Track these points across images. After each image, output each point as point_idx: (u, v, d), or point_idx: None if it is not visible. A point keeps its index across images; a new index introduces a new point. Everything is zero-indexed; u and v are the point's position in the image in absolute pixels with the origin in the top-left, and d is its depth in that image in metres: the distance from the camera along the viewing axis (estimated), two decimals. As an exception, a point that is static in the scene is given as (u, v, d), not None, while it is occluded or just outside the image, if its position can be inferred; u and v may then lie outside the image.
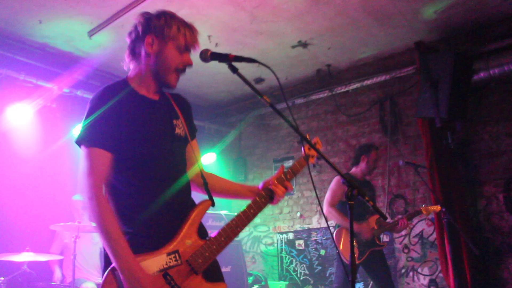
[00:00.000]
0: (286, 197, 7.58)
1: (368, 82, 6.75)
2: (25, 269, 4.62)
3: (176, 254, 1.92)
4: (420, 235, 6.05)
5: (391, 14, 5.53)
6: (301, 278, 7.09)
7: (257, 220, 7.79)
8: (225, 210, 7.14)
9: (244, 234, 7.87)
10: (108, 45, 6.00)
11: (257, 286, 6.96)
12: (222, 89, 7.54)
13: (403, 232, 6.17)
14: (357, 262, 4.59)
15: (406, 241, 6.16)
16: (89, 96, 6.32)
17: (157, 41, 2.06)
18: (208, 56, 2.09)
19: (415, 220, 6.09)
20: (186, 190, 2.16)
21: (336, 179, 4.89)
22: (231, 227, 2.09)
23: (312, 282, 6.97)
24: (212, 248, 2.00)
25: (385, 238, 6.29)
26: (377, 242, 4.73)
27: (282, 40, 6.10)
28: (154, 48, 2.06)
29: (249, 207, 2.17)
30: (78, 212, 5.40)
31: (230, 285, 6.20)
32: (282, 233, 7.48)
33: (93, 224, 1.92)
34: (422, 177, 4.97)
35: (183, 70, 2.13)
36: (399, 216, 5.00)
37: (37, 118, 5.89)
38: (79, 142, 1.96)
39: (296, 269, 7.16)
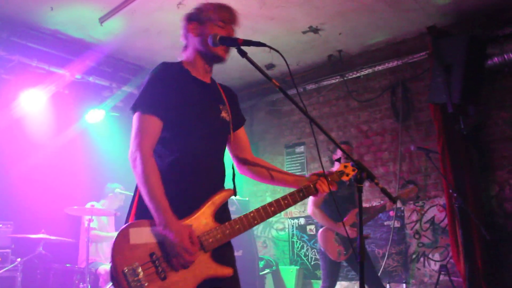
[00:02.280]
0: (297, 183, 7.59)
1: (380, 67, 6.69)
2: (41, 251, 4.75)
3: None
4: (432, 221, 6.04)
5: (403, -2, 5.46)
6: (312, 263, 7.13)
7: (268, 205, 7.82)
8: (237, 195, 7.18)
9: (255, 219, 7.90)
10: (119, 31, 6.02)
11: (268, 270, 7.03)
12: (234, 75, 7.53)
13: (414, 218, 6.17)
14: (343, 258, 4.72)
15: (417, 226, 6.15)
16: (101, 82, 6.42)
17: (198, 25, 2.28)
18: (217, 40, 2.17)
19: (426, 206, 6.08)
20: (219, 170, 2.29)
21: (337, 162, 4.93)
22: (248, 218, 2.14)
23: (323, 267, 7.01)
24: (226, 232, 2.06)
25: (396, 224, 6.29)
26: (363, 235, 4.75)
27: (292, 25, 6.06)
28: (197, 31, 2.28)
29: (271, 204, 2.23)
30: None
31: (241, 269, 6.28)
32: (293, 218, 7.52)
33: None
34: (434, 162, 4.95)
35: (226, 43, 2.24)
36: (372, 209, 5.08)
37: (50, 104, 5.97)
38: (135, 107, 2.12)
39: (307, 254, 7.20)
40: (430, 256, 5.99)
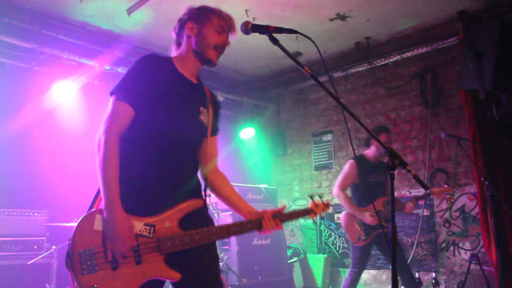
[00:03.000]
0: (324, 171, 7.58)
1: (408, 54, 6.59)
2: (75, 239, 4.86)
3: (152, 228, 2.02)
4: (462, 209, 5.96)
5: (433, -18, 5.36)
6: (339, 251, 7.14)
7: (296, 194, 7.85)
8: (264, 183, 7.23)
9: (282, 208, 7.94)
10: (147, 22, 6.08)
11: (296, 258, 7.06)
12: (260, 64, 7.53)
13: (444, 206, 6.10)
14: (362, 243, 4.71)
15: (447, 215, 6.08)
16: (130, 73, 6.49)
17: (196, 25, 2.28)
18: (249, 28, 2.16)
19: (456, 194, 6.00)
20: (191, 173, 2.29)
21: (350, 162, 4.93)
22: (210, 232, 2.14)
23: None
24: (185, 241, 2.06)
25: (425, 212, 6.23)
26: (384, 224, 4.68)
27: (320, 13, 6.01)
28: (194, 31, 2.28)
29: (235, 224, 2.25)
30: None
31: (269, 257, 6.36)
32: (320, 207, 7.50)
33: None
34: (465, 150, 4.87)
35: (221, 49, 2.31)
36: (406, 200, 4.98)
37: (81, 95, 6.09)
38: (112, 92, 2.13)
39: (335, 242, 7.20)
40: (460, 245, 5.93)
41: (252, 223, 2.29)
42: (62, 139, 5.77)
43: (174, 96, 2.19)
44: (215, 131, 2.44)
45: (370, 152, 4.97)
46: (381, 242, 4.75)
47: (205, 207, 2.26)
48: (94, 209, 2.02)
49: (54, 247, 4.84)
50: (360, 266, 4.76)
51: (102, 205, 1.99)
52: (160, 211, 2.07)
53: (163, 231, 2.04)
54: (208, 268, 2.19)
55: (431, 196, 5.15)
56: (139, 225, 2.00)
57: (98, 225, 1.96)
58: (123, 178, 2.05)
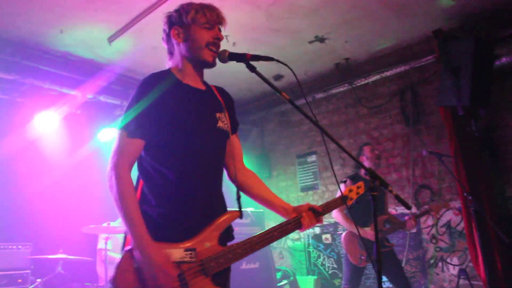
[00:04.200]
0: (311, 192, 7.60)
1: (388, 73, 6.70)
2: (60, 270, 4.80)
3: (193, 252, 1.96)
4: (448, 224, 6.00)
5: (407, 3, 5.47)
6: (329, 272, 7.10)
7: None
8: (251, 207, 7.20)
9: (270, 230, 7.90)
10: (128, 50, 6.11)
11: (285, 281, 7.00)
12: (243, 87, 7.58)
13: (430, 223, 6.13)
14: (364, 264, 4.71)
15: (433, 231, 6.11)
16: (113, 101, 6.50)
17: (181, 30, 2.15)
18: (226, 56, 2.15)
19: (442, 210, 6.03)
20: (218, 185, 2.20)
21: (343, 184, 4.92)
22: (252, 242, 2.11)
23: (340, 275, 6.97)
24: (228, 256, 2.03)
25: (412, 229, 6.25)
26: (385, 243, 4.76)
27: (299, 36, 6.11)
28: (181, 36, 2.15)
29: (275, 229, 2.19)
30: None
31: (258, 281, 6.26)
32: (308, 228, 7.49)
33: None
34: (447, 166, 4.93)
35: (215, 45, 2.16)
36: (406, 217, 4.98)
37: (63, 124, 6.08)
38: (118, 124, 2.03)
39: (324, 263, 7.17)
40: (448, 260, 5.95)
41: (291, 223, 2.23)
42: (45, 169, 5.73)
43: (188, 111, 2.09)
44: (235, 129, 2.38)
45: (363, 169, 4.96)
46: (383, 263, 4.71)
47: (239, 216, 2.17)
48: (129, 247, 1.90)
49: (39, 280, 4.76)
50: (352, 285, 4.72)
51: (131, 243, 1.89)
52: (196, 232, 2.01)
53: (205, 252, 1.98)
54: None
55: (431, 213, 5.13)
56: (179, 252, 1.93)
57: (138, 261, 1.88)
58: (150, 208, 1.99)
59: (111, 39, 5.79)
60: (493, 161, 5.69)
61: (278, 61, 2.08)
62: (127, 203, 1.91)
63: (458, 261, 5.86)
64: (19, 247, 5.08)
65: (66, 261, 4.94)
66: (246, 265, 6.22)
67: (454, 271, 5.84)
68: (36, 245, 5.23)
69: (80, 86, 6.22)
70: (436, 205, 5.02)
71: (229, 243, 2.14)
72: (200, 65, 2.20)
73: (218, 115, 2.22)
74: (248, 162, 8.21)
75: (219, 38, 2.18)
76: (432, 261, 6.08)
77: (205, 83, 2.29)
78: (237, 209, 2.17)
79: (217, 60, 2.21)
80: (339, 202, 2.45)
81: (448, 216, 6.01)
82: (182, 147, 2.05)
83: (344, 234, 4.86)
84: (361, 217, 4.70)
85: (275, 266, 6.81)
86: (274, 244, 7.79)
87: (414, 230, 6.09)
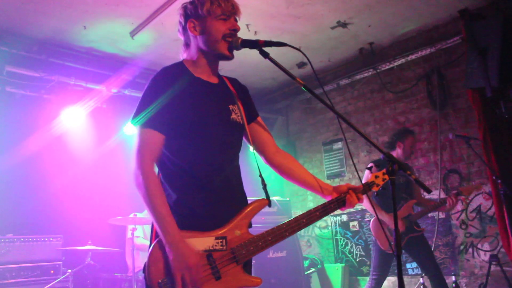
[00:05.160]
0: (337, 179, 7.54)
1: (413, 56, 6.56)
2: (89, 261, 4.93)
3: (224, 240, 1.98)
4: (478, 209, 5.86)
5: (431, -16, 5.34)
6: (357, 260, 7.06)
7: (310, 204, 7.81)
8: (278, 196, 7.20)
9: (297, 219, 7.90)
10: (150, 43, 6.17)
11: (313, 269, 7.01)
12: (266, 76, 7.56)
13: (459, 208, 6.00)
14: (392, 250, 4.54)
15: (463, 216, 5.99)
16: (137, 94, 6.57)
17: (197, 22, 2.14)
18: (238, 44, 2.13)
19: (471, 195, 5.88)
20: (237, 176, 2.23)
21: (368, 170, 4.82)
22: (281, 230, 2.12)
23: (368, 262, 6.92)
24: (258, 244, 2.04)
25: (441, 215, 6.14)
26: (415, 228, 4.67)
27: (320, 22, 6.03)
28: (198, 29, 2.14)
29: (318, 209, 2.22)
30: None
31: (286, 269, 6.28)
32: (335, 215, 7.46)
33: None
34: (474, 149, 4.81)
35: (232, 36, 2.14)
36: (433, 203, 4.86)
37: (89, 119, 6.19)
38: (134, 121, 2.03)
39: (352, 250, 7.13)
40: (479, 246, 5.82)
41: (333, 202, 2.26)
42: (72, 164, 5.87)
43: (201, 105, 2.09)
44: (254, 116, 2.36)
45: (395, 154, 4.83)
46: (413, 248, 4.66)
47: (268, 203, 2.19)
48: (159, 238, 1.93)
49: (69, 270, 4.89)
50: (380, 271, 4.66)
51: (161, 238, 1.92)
52: (227, 220, 2.04)
53: (235, 240, 2.01)
54: None
55: (462, 195, 4.99)
56: (210, 241, 1.97)
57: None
58: (177, 201, 2.01)
59: (133, 33, 5.85)
60: (524, 143, 5.52)
61: (289, 46, 2.05)
62: (157, 201, 1.93)
63: (489, 246, 5.73)
64: (51, 239, 5.22)
65: (95, 252, 5.07)
66: (273, 253, 6.24)
67: (485, 257, 5.71)
68: (66, 237, 5.37)
69: (105, 81, 6.32)
70: (467, 187, 4.85)
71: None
72: (218, 57, 2.19)
73: (231, 107, 2.21)
74: (274, 151, 8.25)
75: (236, 29, 2.16)
76: (462, 247, 5.96)
77: (218, 76, 2.28)
78: (265, 198, 2.20)
79: (237, 53, 2.20)
80: (370, 185, 2.46)
81: (478, 201, 5.87)
82: (198, 140, 2.06)
83: (372, 220, 4.79)
84: (389, 204, 4.60)
85: (302, 254, 6.81)
86: (302, 232, 7.79)
87: (460, 208, 5.94)
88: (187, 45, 2.23)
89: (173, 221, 1.92)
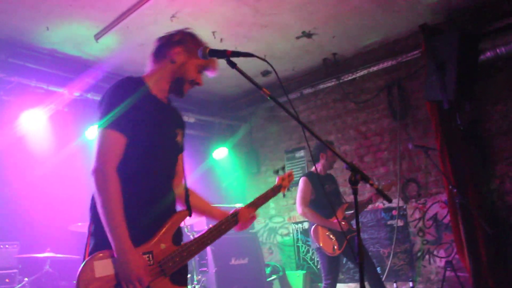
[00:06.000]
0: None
1: (375, 68, 6.74)
2: (48, 269, 4.79)
3: (150, 255, 2.02)
4: (435, 217, 6.07)
5: (394, -2, 5.52)
6: (318, 266, 7.15)
7: (272, 211, 7.86)
8: (240, 203, 7.22)
9: (260, 225, 7.95)
10: (115, 47, 6.10)
11: (275, 276, 7.05)
12: (231, 83, 7.59)
13: (417, 216, 6.19)
14: (338, 252, 4.78)
15: (420, 224, 6.18)
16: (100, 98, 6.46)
17: (184, 54, 2.27)
18: (206, 53, 2.17)
19: (428, 203, 6.10)
20: (172, 195, 2.30)
21: (303, 179, 5.08)
22: (203, 239, 2.26)
23: (329, 269, 7.03)
24: (183, 255, 2.13)
25: (399, 222, 6.32)
26: (352, 229, 4.90)
27: (286, 31, 6.12)
28: (180, 58, 2.26)
29: (222, 223, 2.39)
30: None
31: (248, 276, 6.27)
32: (297, 223, 7.55)
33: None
34: (432, 159, 4.98)
35: (193, 85, 2.35)
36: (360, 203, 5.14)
37: (50, 122, 6.04)
38: (100, 123, 2.06)
39: (313, 257, 7.22)
40: (435, 253, 6.01)
41: (233, 216, 2.44)
42: (32, 167, 5.69)
43: (155, 121, 2.17)
44: (183, 148, 2.46)
45: (319, 165, 5.12)
46: (349, 252, 4.83)
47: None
48: (88, 257, 1.91)
49: (26, 279, 4.74)
50: (332, 276, 4.77)
51: (112, 247, 1.91)
52: (152, 235, 2.07)
53: (161, 254, 2.06)
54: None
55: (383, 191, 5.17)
56: None
57: (100, 271, 1.88)
58: None
59: (98, 36, 5.77)
60: (478, 154, 5.76)
61: (257, 57, 2.10)
62: (115, 206, 1.94)
63: (444, 253, 5.93)
64: (6, 246, 5.05)
65: (54, 259, 4.94)
66: (235, 260, 6.25)
67: (440, 263, 5.91)
68: (23, 243, 5.20)
69: (67, 84, 6.18)
70: (386, 185, 5.20)
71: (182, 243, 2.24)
72: (175, 91, 2.31)
73: (177, 130, 2.33)
74: (237, 158, 8.28)
75: (199, 84, 2.37)
76: (419, 254, 6.15)
77: (168, 99, 2.38)
78: (186, 209, 2.33)
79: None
80: (274, 190, 2.77)
81: (435, 209, 6.07)
82: (147, 152, 2.12)
83: (313, 228, 4.93)
84: (322, 210, 4.89)
85: (264, 261, 6.85)
86: (264, 239, 7.84)
87: (418, 216, 6.19)
88: (157, 55, 2.30)
89: (125, 229, 1.93)
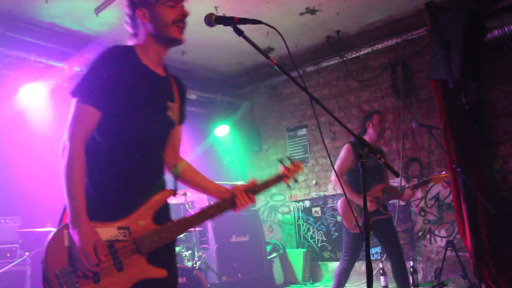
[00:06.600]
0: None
1: (379, 46, 6.66)
2: (48, 244, 4.77)
3: (126, 231, 1.95)
4: (437, 197, 6.05)
5: (400, -26, 5.41)
6: (318, 245, 7.17)
7: (273, 189, 7.84)
8: (241, 180, 7.21)
9: (260, 204, 7.95)
10: (116, 21, 5.99)
11: (275, 254, 7.07)
12: (233, 61, 7.51)
13: (419, 195, 6.18)
14: (358, 230, 4.51)
15: (422, 204, 6.17)
16: (100, 73, 6.39)
17: (147, 10, 2.10)
18: (213, 20, 2.08)
19: (431, 183, 6.05)
20: (158, 171, 2.20)
21: (346, 146, 4.71)
22: (187, 221, 2.13)
23: (329, 248, 7.05)
24: (162, 235, 2.02)
25: (401, 202, 6.30)
26: (381, 210, 4.61)
27: (289, 7, 6.02)
28: (147, 16, 2.10)
29: (211, 207, 2.22)
30: None
31: (249, 254, 6.27)
32: (298, 201, 7.54)
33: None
34: (436, 139, 4.93)
35: (182, 21, 2.14)
36: (406, 186, 4.92)
37: (51, 97, 5.97)
38: (74, 94, 1.97)
39: (314, 236, 7.24)
40: (436, 232, 6.02)
41: (225, 202, 2.25)
42: (32, 142, 5.63)
43: (141, 93, 2.06)
44: (182, 120, 2.35)
45: (367, 137, 4.74)
46: (378, 230, 4.64)
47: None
48: (62, 225, 1.88)
49: (27, 253, 4.74)
50: (351, 253, 4.58)
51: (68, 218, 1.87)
52: (131, 211, 1.99)
53: (138, 231, 1.96)
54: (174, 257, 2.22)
55: (430, 184, 5.06)
56: (112, 231, 1.91)
57: (69, 240, 1.85)
58: (90, 183, 1.96)
59: (98, 9, 5.66)
60: (482, 134, 5.72)
61: (266, 24, 2.03)
62: (74, 177, 1.89)
63: (445, 233, 5.93)
64: (7, 221, 5.04)
65: (55, 234, 4.92)
66: (236, 238, 6.26)
67: (441, 243, 5.92)
68: (24, 218, 5.19)
69: (67, 59, 6.09)
70: (438, 176, 4.91)
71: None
72: (168, 42, 2.15)
73: (169, 104, 2.20)
74: (238, 136, 8.24)
75: (185, 15, 2.14)
76: (420, 234, 6.15)
77: (165, 69, 2.25)
78: (172, 188, 2.19)
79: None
80: (276, 179, 2.51)
81: (437, 189, 6.06)
82: (128, 126, 2.03)
83: (340, 200, 4.72)
84: (358, 183, 4.51)
85: (265, 239, 6.86)
86: (264, 217, 7.84)
87: (420, 195, 6.11)
88: (135, 35, 2.18)
89: (83, 203, 1.88)
